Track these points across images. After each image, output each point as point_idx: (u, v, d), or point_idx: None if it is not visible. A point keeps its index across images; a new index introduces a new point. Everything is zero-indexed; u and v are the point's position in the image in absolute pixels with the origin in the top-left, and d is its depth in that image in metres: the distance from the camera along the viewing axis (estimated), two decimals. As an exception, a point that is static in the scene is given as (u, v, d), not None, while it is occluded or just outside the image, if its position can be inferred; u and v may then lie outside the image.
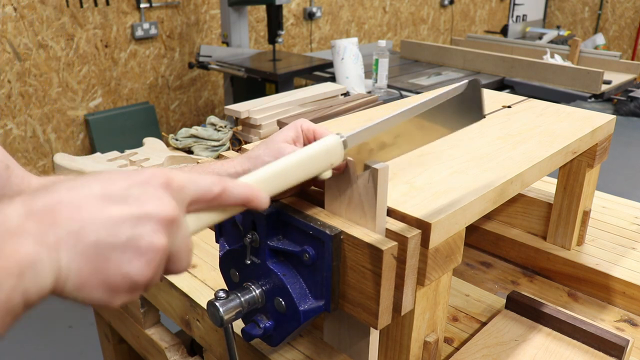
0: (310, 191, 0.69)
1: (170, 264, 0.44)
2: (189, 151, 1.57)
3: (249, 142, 1.55)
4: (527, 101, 1.07)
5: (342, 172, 0.62)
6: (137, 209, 0.41)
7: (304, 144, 0.69)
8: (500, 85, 2.82)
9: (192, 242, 0.45)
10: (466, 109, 0.63)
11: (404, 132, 0.62)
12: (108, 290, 0.40)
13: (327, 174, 0.58)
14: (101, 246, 0.39)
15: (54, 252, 0.37)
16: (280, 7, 2.79)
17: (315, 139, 0.69)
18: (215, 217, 0.49)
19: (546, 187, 1.12)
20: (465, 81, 0.62)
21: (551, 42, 4.79)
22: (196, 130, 1.58)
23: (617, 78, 2.80)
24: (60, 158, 1.41)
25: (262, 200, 0.50)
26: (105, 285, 0.40)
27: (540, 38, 5.02)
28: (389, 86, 2.59)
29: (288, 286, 0.63)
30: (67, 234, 0.38)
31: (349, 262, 0.61)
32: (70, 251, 0.38)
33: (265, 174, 0.53)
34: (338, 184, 0.62)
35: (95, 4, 2.96)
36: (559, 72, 2.68)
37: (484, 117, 0.65)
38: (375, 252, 0.57)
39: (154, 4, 3.18)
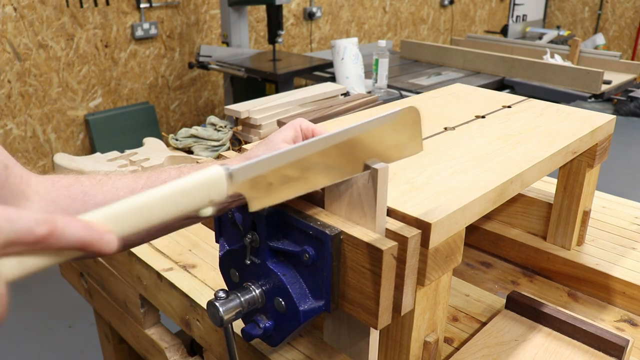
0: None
1: None
2: (189, 151, 1.57)
3: (249, 142, 1.55)
4: (527, 101, 1.07)
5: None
6: None
7: None
8: (500, 85, 2.82)
9: (6, 290, 0.36)
10: (402, 138, 0.58)
11: (317, 164, 0.55)
12: None
13: (207, 211, 0.48)
14: None
15: None
16: (280, 7, 2.79)
17: None
18: (45, 261, 0.39)
19: (546, 187, 1.12)
20: (399, 109, 0.58)
21: (551, 42, 4.79)
22: (196, 130, 1.58)
23: (617, 78, 2.80)
24: (60, 158, 1.41)
25: (106, 245, 0.40)
26: None
27: (540, 38, 5.02)
28: (389, 86, 2.59)
29: (288, 286, 0.63)
30: None
31: (348, 262, 0.61)
32: None
33: (118, 209, 0.42)
34: (338, 184, 0.62)
35: (95, 4, 2.96)
36: (559, 72, 2.68)
37: (422, 150, 0.60)
38: (375, 252, 0.57)
39: (154, 4, 3.18)
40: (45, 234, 0.37)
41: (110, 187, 0.66)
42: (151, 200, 0.44)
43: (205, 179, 0.47)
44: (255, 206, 0.52)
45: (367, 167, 0.58)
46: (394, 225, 0.60)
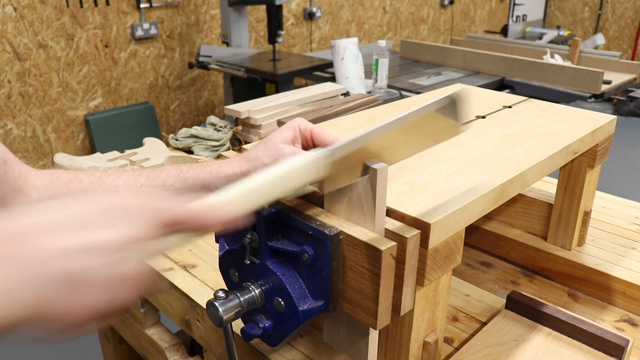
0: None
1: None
2: (189, 151, 1.57)
3: (249, 142, 1.55)
4: (527, 101, 1.07)
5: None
6: (112, 234, 0.40)
7: (302, 144, 0.69)
8: (500, 85, 2.82)
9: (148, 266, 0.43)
10: (449, 121, 0.60)
11: (389, 145, 0.60)
12: (85, 318, 0.38)
13: (310, 188, 0.57)
14: (74, 275, 0.37)
15: (20, 281, 0.35)
16: (280, 7, 2.79)
17: (312, 139, 0.69)
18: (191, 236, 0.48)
19: (546, 188, 1.12)
20: (449, 93, 0.59)
21: (551, 42, 4.79)
22: (196, 130, 1.58)
23: (617, 78, 2.80)
24: (60, 158, 1.42)
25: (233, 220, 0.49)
26: (81, 314, 0.38)
27: (540, 38, 5.02)
28: (389, 86, 2.59)
29: (287, 286, 0.63)
30: (35, 262, 0.36)
31: (348, 262, 0.61)
32: (38, 281, 0.36)
33: (244, 189, 0.52)
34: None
35: (95, 4, 2.96)
36: (559, 72, 2.68)
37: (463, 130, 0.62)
38: (374, 252, 0.57)
39: (154, 4, 3.18)
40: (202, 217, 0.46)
41: (110, 185, 0.67)
42: (266, 182, 0.53)
43: (305, 163, 0.56)
44: (338, 184, 0.59)
45: (366, 167, 0.58)
46: (393, 225, 0.60)
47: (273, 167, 0.54)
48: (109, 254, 0.39)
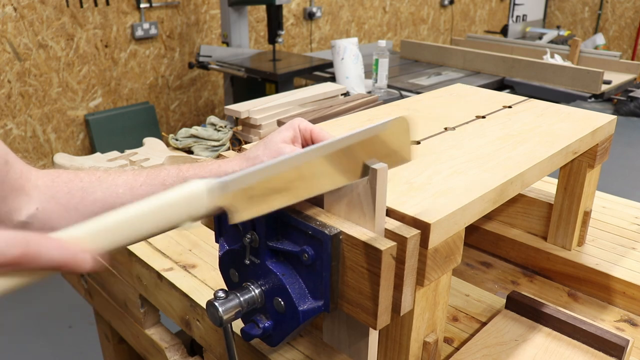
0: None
1: None
2: (189, 151, 1.57)
3: (249, 142, 1.55)
4: (527, 101, 1.07)
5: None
6: None
7: (302, 144, 0.69)
8: (500, 85, 2.82)
9: None
10: (392, 148, 0.58)
11: (304, 176, 0.55)
12: None
13: (189, 226, 0.48)
14: None
15: None
16: (280, 7, 2.79)
17: (312, 139, 0.69)
18: (19, 281, 0.38)
19: (547, 188, 1.12)
20: (390, 118, 0.58)
21: (551, 42, 4.79)
22: (196, 130, 1.58)
23: (617, 78, 2.80)
24: (60, 158, 1.42)
25: (81, 264, 0.39)
26: None
27: (540, 38, 5.02)
28: (389, 86, 2.59)
29: (287, 286, 0.63)
30: None
31: (348, 262, 0.61)
32: None
33: (97, 226, 0.42)
34: (337, 184, 0.62)
35: (95, 4, 2.96)
36: (559, 72, 2.68)
37: (410, 160, 0.61)
38: (374, 252, 0.57)
39: (154, 4, 3.18)
40: (17, 256, 0.36)
41: (110, 184, 0.67)
42: (130, 217, 0.43)
43: (184, 196, 0.46)
44: (236, 219, 0.51)
45: (366, 167, 0.58)
46: (393, 225, 0.60)
47: (145, 200, 0.45)
48: None
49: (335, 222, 0.62)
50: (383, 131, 0.59)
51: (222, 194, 0.49)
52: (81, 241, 0.41)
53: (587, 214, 1.02)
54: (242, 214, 0.52)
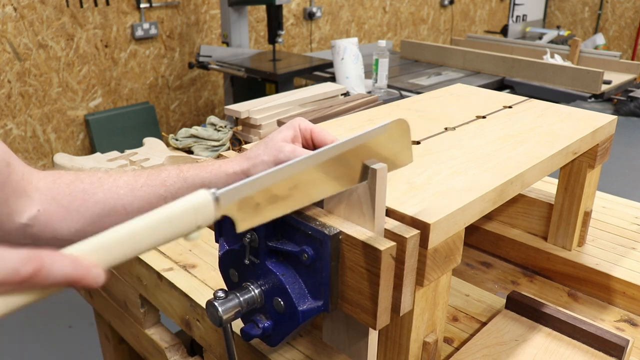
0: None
1: None
2: (189, 151, 1.56)
3: (249, 142, 1.55)
4: (527, 101, 1.07)
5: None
6: None
7: (302, 143, 0.69)
8: (500, 85, 2.82)
9: None
10: (392, 151, 0.59)
11: (306, 182, 0.55)
12: None
13: (195, 236, 0.48)
14: None
15: None
16: (280, 7, 2.79)
17: (312, 139, 0.69)
18: (31, 297, 0.38)
19: (547, 188, 1.12)
20: (388, 121, 0.58)
21: (551, 42, 4.78)
22: (196, 130, 1.58)
23: (617, 78, 2.80)
24: (60, 158, 1.41)
25: (94, 279, 0.40)
26: None
27: (540, 38, 5.02)
28: (389, 86, 2.59)
29: (287, 286, 0.63)
30: None
31: (347, 263, 0.61)
32: None
33: (104, 241, 0.42)
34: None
35: (95, 4, 2.96)
36: (559, 72, 2.68)
37: (412, 161, 0.61)
38: (373, 253, 0.57)
39: (154, 4, 3.18)
40: (31, 274, 0.36)
41: (111, 185, 0.67)
42: (137, 229, 0.43)
43: (192, 205, 0.46)
44: (243, 227, 0.51)
45: (365, 167, 0.58)
46: (393, 225, 0.60)
47: (148, 214, 0.44)
48: None
49: (335, 222, 0.62)
50: (382, 134, 0.59)
51: (228, 204, 0.49)
52: (93, 256, 0.41)
53: (587, 214, 1.02)
54: (248, 222, 0.52)
